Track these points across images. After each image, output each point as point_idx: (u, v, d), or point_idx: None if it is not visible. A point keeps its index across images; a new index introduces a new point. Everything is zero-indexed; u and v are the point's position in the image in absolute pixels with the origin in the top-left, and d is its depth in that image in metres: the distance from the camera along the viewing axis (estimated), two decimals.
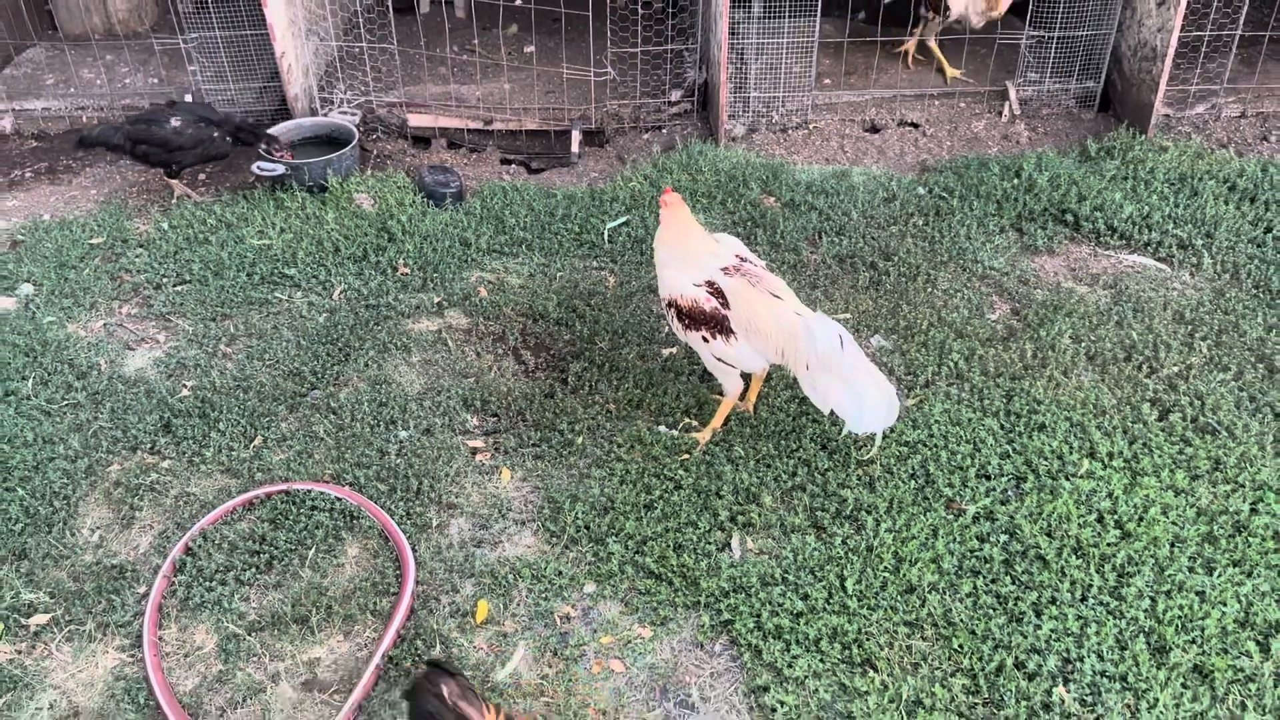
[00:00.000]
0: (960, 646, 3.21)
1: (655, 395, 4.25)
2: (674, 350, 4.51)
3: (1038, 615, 3.30)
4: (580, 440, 4.04)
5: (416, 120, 6.49)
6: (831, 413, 3.75)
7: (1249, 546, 3.48)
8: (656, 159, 6.04)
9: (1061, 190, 5.49)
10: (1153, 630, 3.23)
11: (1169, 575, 3.39)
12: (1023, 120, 6.39)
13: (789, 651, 3.22)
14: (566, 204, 5.60)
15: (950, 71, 6.57)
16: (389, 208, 5.55)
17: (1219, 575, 3.39)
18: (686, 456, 3.93)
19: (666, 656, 3.28)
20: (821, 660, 3.20)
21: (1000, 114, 6.42)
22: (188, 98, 6.44)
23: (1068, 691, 3.08)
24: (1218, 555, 3.46)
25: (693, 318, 3.79)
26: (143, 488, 3.87)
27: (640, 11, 6.61)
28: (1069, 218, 5.33)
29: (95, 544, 3.69)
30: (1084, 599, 3.34)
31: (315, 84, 6.45)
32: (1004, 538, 3.56)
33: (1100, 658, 3.16)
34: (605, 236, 5.33)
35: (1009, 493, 3.76)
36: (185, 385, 4.39)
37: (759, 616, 3.33)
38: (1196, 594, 3.33)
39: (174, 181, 5.75)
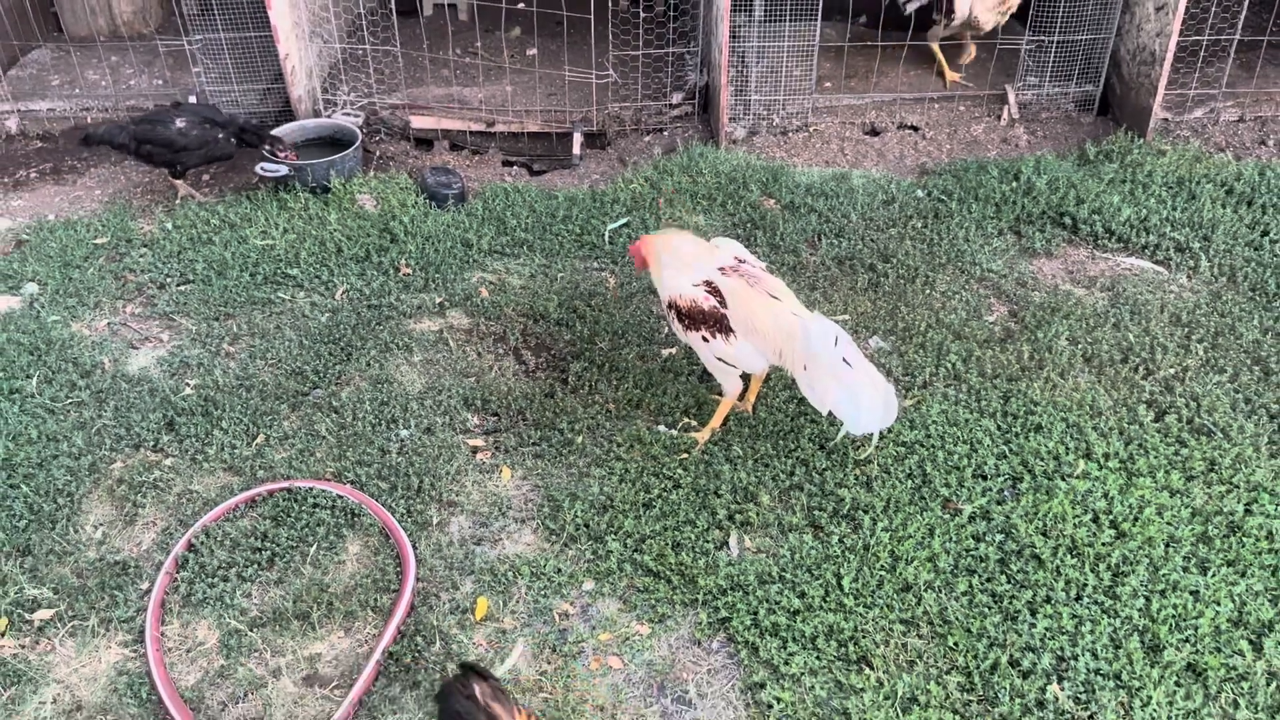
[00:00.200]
0: (956, 644, 3.24)
1: (654, 395, 4.27)
2: (673, 351, 4.53)
3: (1033, 614, 3.32)
4: (580, 439, 4.07)
5: (419, 122, 6.53)
6: (830, 414, 3.78)
7: (1243, 547, 3.50)
8: (658, 161, 6.07)
9: (1060, 193, 5.51)
10: (1147, 629, 3.25)
11: (1163, 575, 3.41)
12: (1022, 124, 6.41)
13: (786, 649, 3.25)
14: (568, 205, 5.62)
15: (950, 75, 6.60)
16: (391, 209, 5.58)
17: (1213, 575, 3.41)
18: (685, 456, 3.96)
19: (664, 653, 3.31)
20: (818, 657, 3.22)
21: (999, 117, 6.44)
22: (192, 99, 6.46)
23: (1062, 689, 3.10)
24: (1212, 555, 3.48)
25: (692, 317, 3.82)
26: (146, 485, 3.90)
27: (642, 15, 6.64)
28: (1067, 221, 5.35)
29: (98, 540, 3.72)
30: (1079, 598, 3.37)
31: (319, 86, 6.48)
32: (1000, 537, 3.58)
33: (1094, 656, 3.18)
34: (606, 238, 5.36)
35: (1005, 493, 3.78)
36: (188, 384, 4.42)
37: (756, 614, 3.35)
38: (1190, 593, 3.35)
39: (178, 182, 5.79)
